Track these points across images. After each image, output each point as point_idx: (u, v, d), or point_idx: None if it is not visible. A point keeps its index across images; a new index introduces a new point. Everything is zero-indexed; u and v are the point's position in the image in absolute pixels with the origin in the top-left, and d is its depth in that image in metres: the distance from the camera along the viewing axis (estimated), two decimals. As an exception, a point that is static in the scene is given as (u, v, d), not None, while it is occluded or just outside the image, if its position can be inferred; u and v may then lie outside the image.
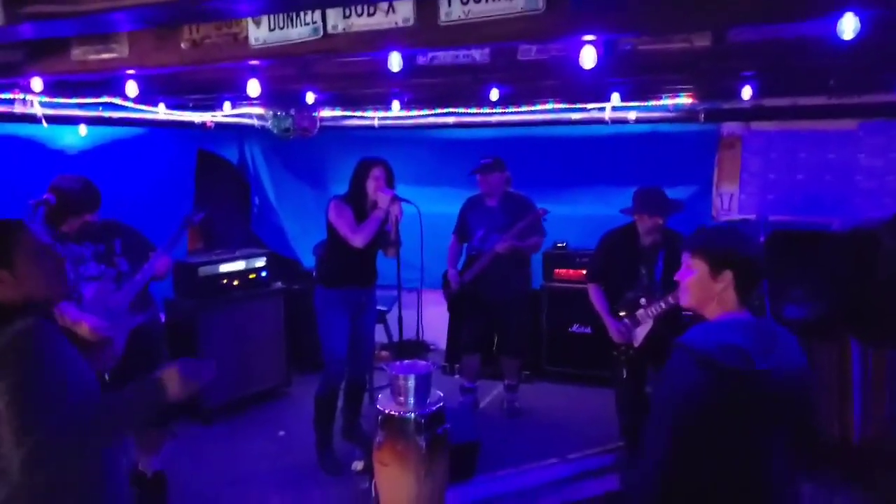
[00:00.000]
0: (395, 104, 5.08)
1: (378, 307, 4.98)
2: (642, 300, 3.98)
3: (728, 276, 1.98)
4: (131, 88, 3.66)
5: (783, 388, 1.90)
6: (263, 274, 5.49)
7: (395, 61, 2.84)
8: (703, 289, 2.03)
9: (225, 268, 5.21)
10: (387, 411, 3.39)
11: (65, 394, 1.76)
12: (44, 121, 4.42)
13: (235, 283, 5.26)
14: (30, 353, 1.75)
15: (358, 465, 4.15)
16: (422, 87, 4.42)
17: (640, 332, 4.00)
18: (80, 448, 1.78)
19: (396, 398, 3.45)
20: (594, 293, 4.18)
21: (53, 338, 1.82)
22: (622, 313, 4.07)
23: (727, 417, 1.88)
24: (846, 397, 4.41)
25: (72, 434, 1.73)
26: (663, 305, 3.85)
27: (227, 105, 5.26)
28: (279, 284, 5.64)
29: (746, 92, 4.17)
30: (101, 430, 1.83)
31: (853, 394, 4.40)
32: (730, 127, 5.63)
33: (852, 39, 2.19)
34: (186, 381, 2.02)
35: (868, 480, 3.94)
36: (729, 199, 5.67)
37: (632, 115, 5.39)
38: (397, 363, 3.59)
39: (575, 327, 5.76)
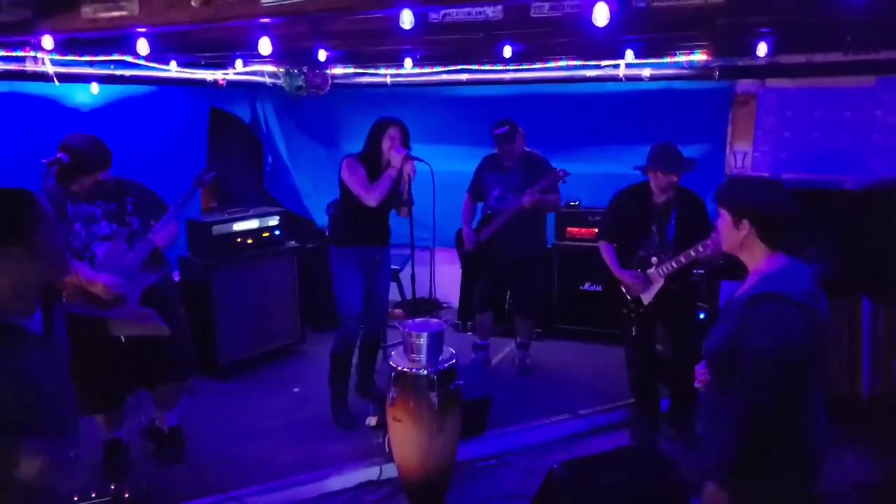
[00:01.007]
0: (408, 61, 5.03)
1: (391, 266, 5.01)
2: (654, 259, 3.98)
3: (746, 224, 2.16)
4: (142, 47, 3.64)
5: (826, 323, 2.11)
6: (277, 232, 5.51)
7: (406, 18, 2.82)
8: (729, 236, 2.23)
9: (239, 226, 5.24)
10: (400, 368, 3.44)
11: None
12: (55, 79, 4.41)
13: (249, 241, 5.29)
14: None
15: (372, 421, 4.22)
16: (434, 44, 4.37)
17: (652, 290, 4.02)
18: None
19: (409, 355, 3.50)
20: (605, 250, 4.18)
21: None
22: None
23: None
24: (856, 354, 4.44)
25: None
26: (675, 265, 3.86)
27: (238, 63, 5.23)
28: (293, 243, 5.66)
29: (762, 48, 4.10)
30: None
31: (863, 350, 4.43)
32: (744, 84, 5.56)
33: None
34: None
35: (876, 435, 3.99)
36: (743, 158, 5.62)
37: (646, 73, 5.33)
38: (410, 321, 3.63)
39: (587, 285, 5.78)
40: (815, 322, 2.04)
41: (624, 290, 4.13)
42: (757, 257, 2.18)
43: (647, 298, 4.04)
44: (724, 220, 2.23)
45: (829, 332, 4.43)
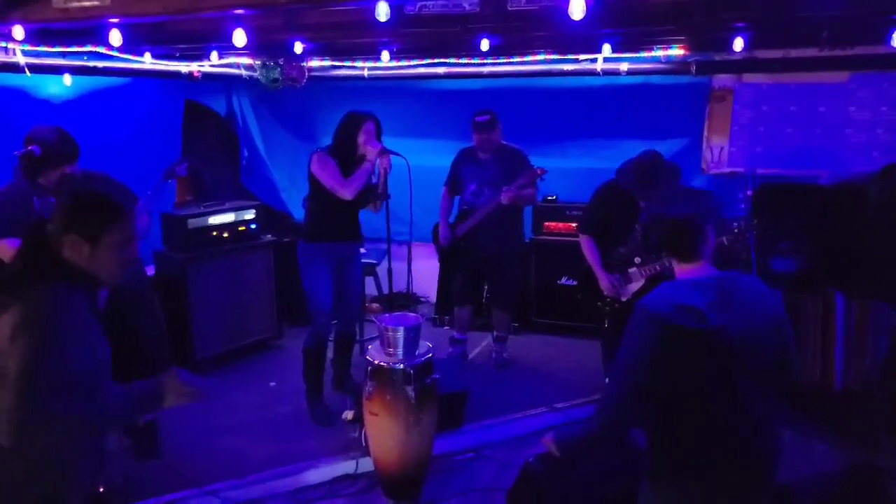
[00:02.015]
0: (385, 54, 5.01)
1: (368, 260, 4.96)
2: (637, 259, 3.98)
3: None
4: (115, 37, 3.59)
5: (743, 342, 1.98)
6: (253, 226, 5.47)
7: (382, 10, 2.81)
8: None
9: (214, 220, 5.19)
10: (376, 362, 3.43)
11: (72, 377, 1.78)
12: (27, 70, 4.34)
13: (225, 235, 5.24)
14: (48, 327, 1.76)
15: (348, 415, 4.21)
16: (411, 36, 4.36)
17: (631, 289, 4.02)
18: (71, 434, 1.82)
19: (386, 349, 3.49)
20: (587, 245, 4.18)
21: (75, 313, 1.83)
22: (615, 268, 4.08)
23: (682, 372, 1.97)
24: (829, 347, 4.49)
25: (69, 423, 1.77)
26: (658, 268, 3.86)
27: (214, 55, 5.18)
28: (269, 237, 5.62)
29: (738, 44, 4.13)
30: (95, 425, 1.89)
31: (836, 344, 4.48)
32: (721, 79, 5.59)
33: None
34: (186, 394, 1.98)
35: (847, 428, 4.05)
36: (719, 152, 5.66)
37: (623, 67, 5.35)
38: (387, 315, 3.62)
39: (564, 280, 5.80)
40: (692, 341, 1.94)
41: (602, 287, 4.14)
42: (678, 267, 2.16)
43: (625, 296, 4.05)
44: None
45: (801, 327, 4.54)
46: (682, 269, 2.13)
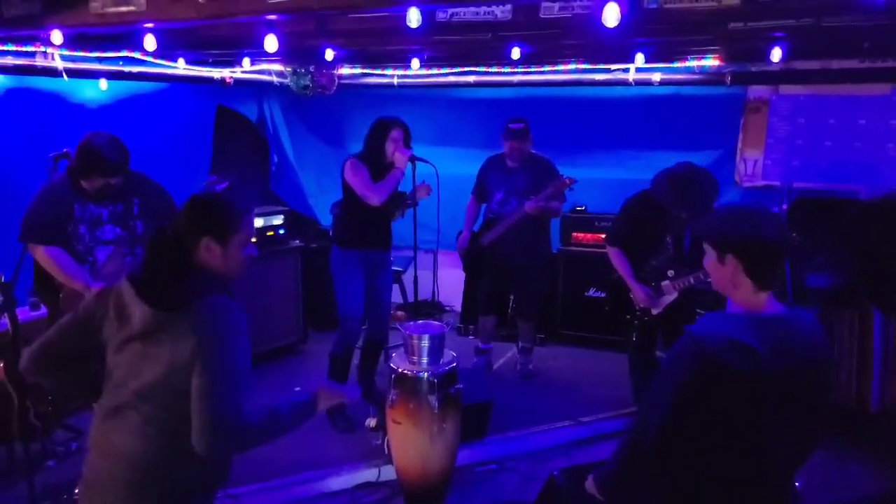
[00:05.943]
0: (415, 62, 5.01)
1: (395, 267, 4.92)
2: (670, 272, 3.90)
3: (732, 260, 1.89)
4: (149, 42, 3.63)
5: (795, 388, 1.84)
6: (281, 231, 5.50)
7: (413, 17, 2.79)
8: (716, 273, 1.96)
9: (243, 225, 5.20)
10: (400, 370, 3.41)
11: (244, 378, 1.95)
12: (64, 74, 4.42)
13: (253, 240, 5.23)
14: (228, 329, 1.96)
15: (371, 422, 4.18)
16: (442, 44, 4.35)
17: (664, 301, 3.95)
18: (234, 444, 1.99)
19: (410, 357, 3.47)
20: (617, 257, 4.09)
21: (240, 320, 2.01)
22: (646, 281, 4.01)
23: (725, 411, 1.82)
24: (865, 366, 4.38)
25: (238, 432, 1.95)
26: (692, 281, 3.78)
27: (246, 61, 5.23)
28: (297, 242, 5.64)
29: (776, 54, 4.05)
30: (259, 439, 2.05)
31: (874, 363, 4.36)
32: (756, 91, 5.50)
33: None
34: (332, 399, 2.28)
35: (882, 448, 3.93)
36: (753, 165, 5.56)
37: (656, 77, 5.29)
38: (412, 323, 3.60)
39: (591, 291, 5.73)
40: (742, 383, 1.77)
41: (634, 298, 4.06)
42: (740, 295, 1.91)
43: (657, 309, 3.97)
44: (709, 256, 1.96)
45: (837, 345, 4.42)
46: (747, 300, 1.89)
